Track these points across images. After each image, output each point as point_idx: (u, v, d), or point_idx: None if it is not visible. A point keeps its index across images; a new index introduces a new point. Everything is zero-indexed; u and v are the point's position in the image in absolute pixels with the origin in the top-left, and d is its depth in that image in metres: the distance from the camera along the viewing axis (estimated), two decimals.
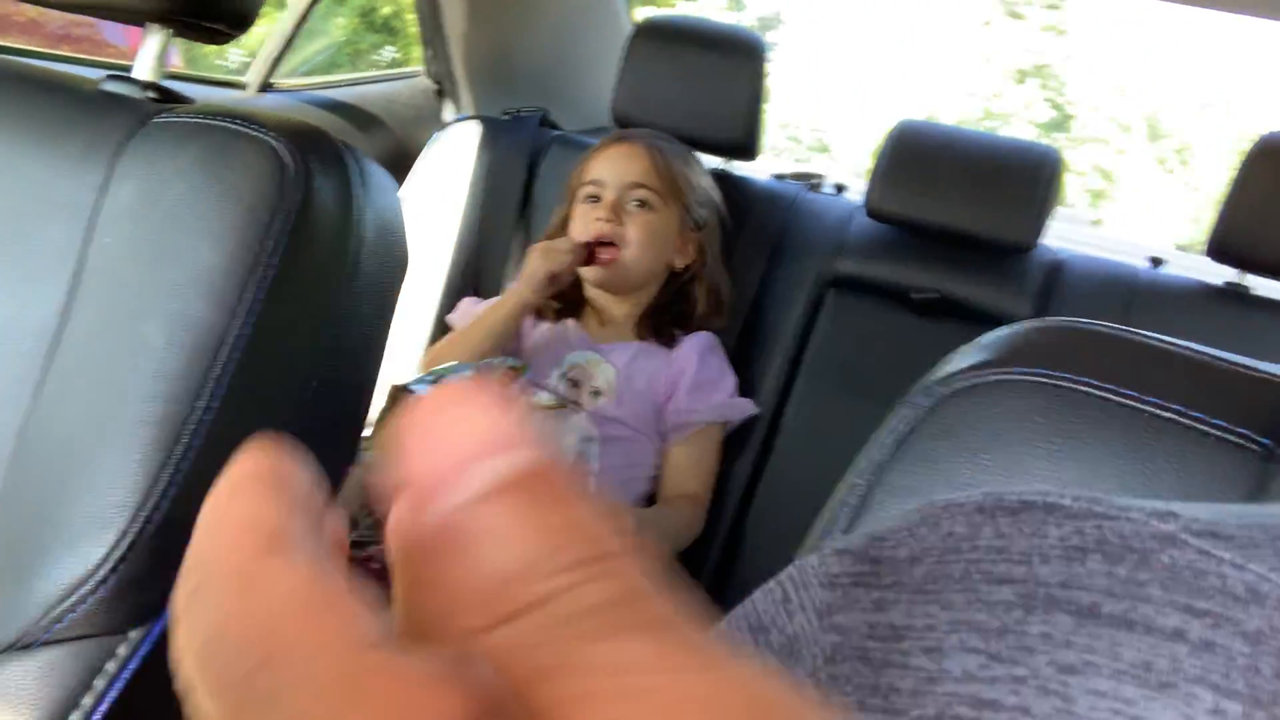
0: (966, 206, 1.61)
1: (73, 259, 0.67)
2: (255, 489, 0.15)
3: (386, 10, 2.95)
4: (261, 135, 0.67)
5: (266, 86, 1.88)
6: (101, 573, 0.58)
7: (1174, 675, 0.22)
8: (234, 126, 0.68)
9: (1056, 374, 0.46)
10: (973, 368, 0.49)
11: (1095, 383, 0.45)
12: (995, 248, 1.62)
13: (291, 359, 0.66)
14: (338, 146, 0.71)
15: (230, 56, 2.18)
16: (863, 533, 0.29)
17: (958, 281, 1.62)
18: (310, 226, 0.66)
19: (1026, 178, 1.60)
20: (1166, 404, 0.43)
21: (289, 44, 1.87)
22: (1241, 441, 0.41)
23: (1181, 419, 0.43)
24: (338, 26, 2.67)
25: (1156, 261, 1.74)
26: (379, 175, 0.73)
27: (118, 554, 0.59)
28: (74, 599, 0.59)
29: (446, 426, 0.14)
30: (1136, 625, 0.23)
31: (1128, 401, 0.44)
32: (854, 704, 0.25)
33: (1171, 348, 0.46)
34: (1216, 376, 0.44)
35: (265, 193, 0.65)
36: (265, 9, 0.87)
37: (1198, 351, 0.46)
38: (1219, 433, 0.42)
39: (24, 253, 0.69)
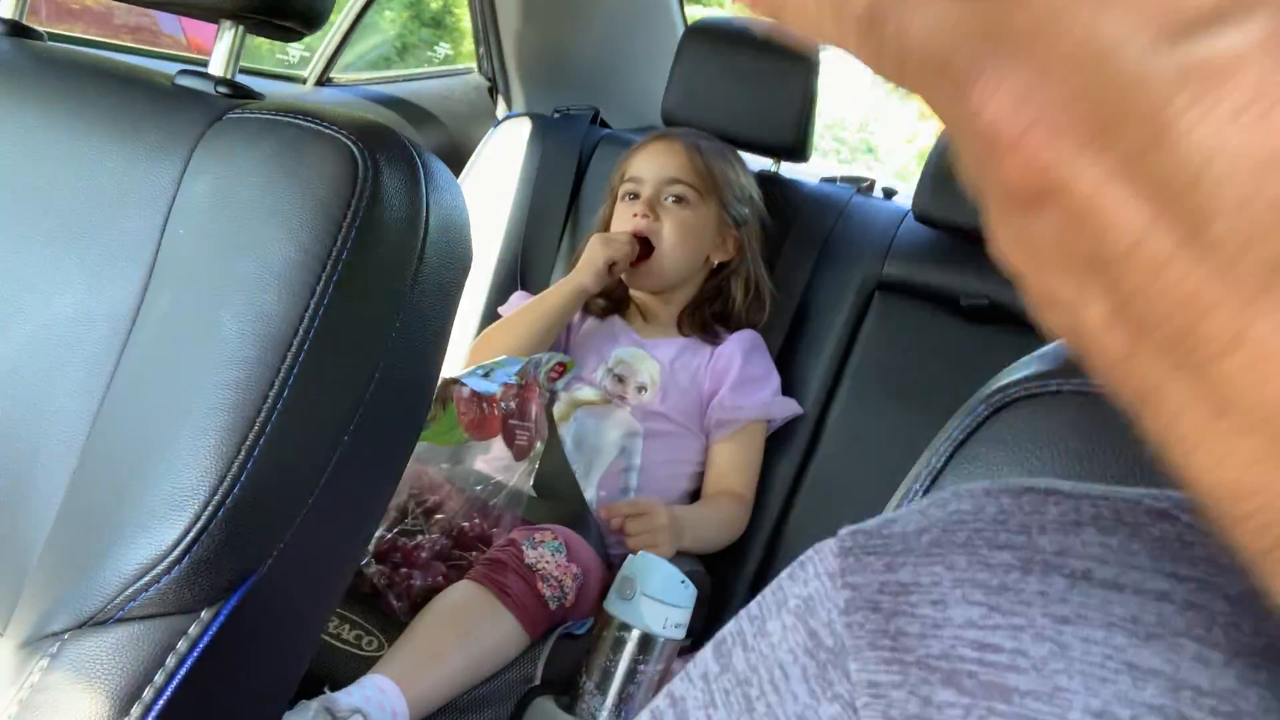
0: None
1: (149, 250, 0.70)
2: None
3: (436, 4, 2.98)
4: (333, 133, 0.69)
5: (324, 81, 1.91)
6: (176, 553, 0.61)
7: (1160, 628, 0.24)
8: (306, 124, 0.70)
9: None
10: (1031, 378, 0.49)
11: None
12: None
13: (357, 353, 0.68)
14: (405, 144, 0.72)
15: (290, 49, 2.22)
16: (878, 517, 0.31)
17: (1008, 288, 1.60)
18: (379, 223, 0.68)
19: None
20: None
21: (346, 39, 1.90)
22: None
23: None
24: (387, 20, 2.70)
25: None
26: (444, 173, 0.75)
27: (191, 536, 0.61)
28: (149, 578, 0.61)
29: None
30: (1126, 588, 0.25)
31: None
32: (865, 645, 0.26)
33: None
34: None
35: (337, 188, 0.67)
36: None
37: None
38: None
39: (102, 242, 0.71)
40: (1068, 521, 0.27)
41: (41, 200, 0.73)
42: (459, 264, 0.76)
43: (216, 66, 0.81)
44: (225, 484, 0.61)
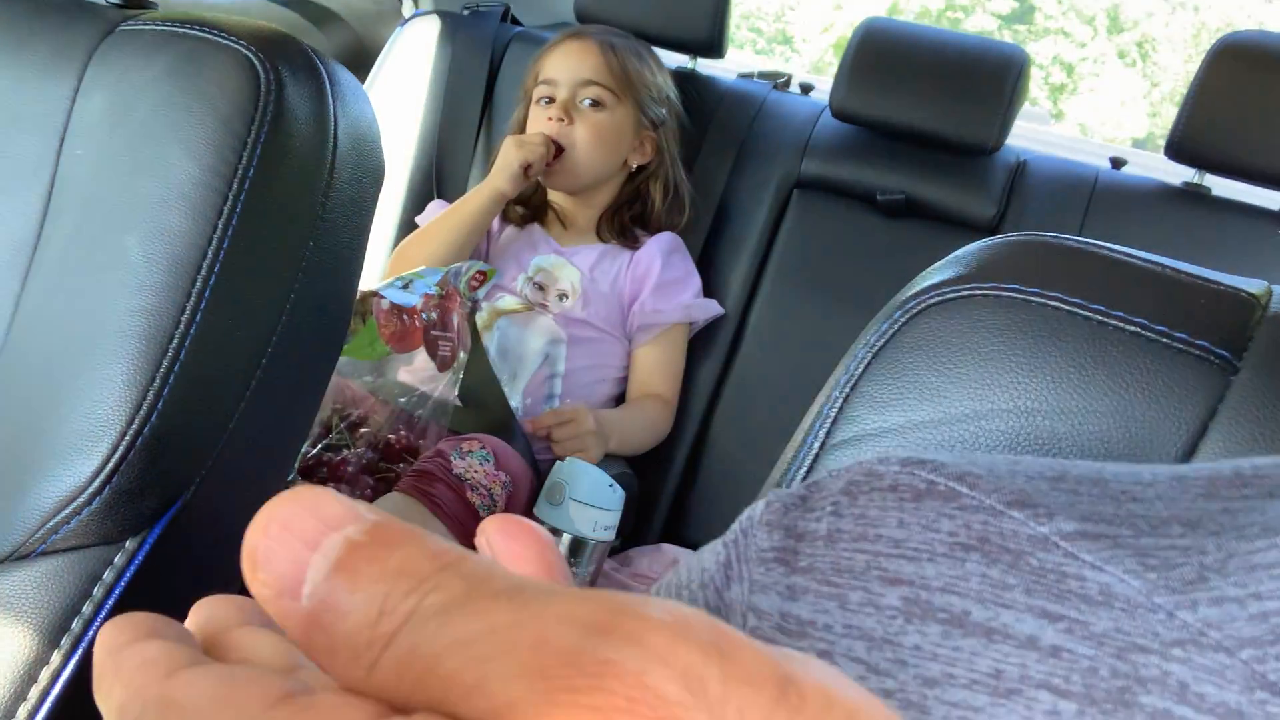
0: (932, 107, 1.61)
1: (46, 171, 0.67)
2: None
3: None
4: (233, 44, 0.66)
5: None
6: (95, 485, 0.60)
7: (1020, 682, 0.25)
8: (204, 35, 0.67)
9: (1026, 289, 0.48)
10: (945, 283, 0.50)
11: (1063, 297, 0.47)
12: (960, 149, 1.62)
13: (272, 272, 0.66)
14: (310, 55, 0.70)
15: None
16: (803, 483, 0.31)
17: (922, 183, 1.63)
18: (285, 137, 0.66)
19: (992, 78, 1.60)
20: (1131, 317, 0.45)
21: None
22: (1202, 354, 0.43)
23: (1146, 332, 0.44)
24: None
25: (1117, 162, 1.76)
26: (351, 83, 0.73)
27: (110, 466, 0.60)
28: (69, 510, 0.60)
29: (280, 533, 0.17)
30: (996, 634, 0.26)
31: (1094, 315, 0.46)
32: None
33: (1138, 261, 0.48)
34: (1179, 290, 0.46)
35: (239, 103, 0.64)
36: None
37: (1162, 265, 0.48)
38: (1181, 345, 0.44)
39: None
40: (957, 543, 0.28)
41: None
42: (371, 176, 0.74)
43: None
44: (143, 412, 0.60)
